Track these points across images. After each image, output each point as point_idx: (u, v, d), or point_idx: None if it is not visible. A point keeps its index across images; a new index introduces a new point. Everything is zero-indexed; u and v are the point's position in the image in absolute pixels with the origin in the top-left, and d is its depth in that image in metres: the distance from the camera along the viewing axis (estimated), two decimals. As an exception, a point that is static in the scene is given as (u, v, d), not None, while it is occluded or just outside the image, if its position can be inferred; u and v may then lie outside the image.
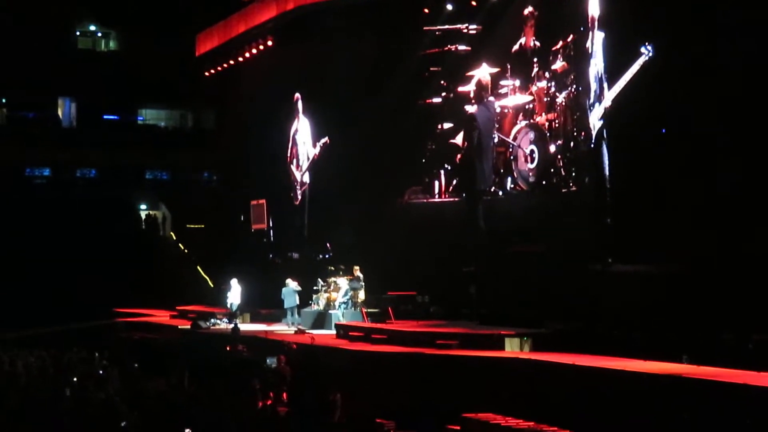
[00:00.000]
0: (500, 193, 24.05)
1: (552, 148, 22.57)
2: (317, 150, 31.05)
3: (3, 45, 46.97)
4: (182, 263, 44.69)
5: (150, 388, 18.23)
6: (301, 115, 32.16)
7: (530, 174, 23.16)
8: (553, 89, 22.82)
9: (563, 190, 22.14)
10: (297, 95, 32.17)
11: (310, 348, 22.44)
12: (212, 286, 38.29)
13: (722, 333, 15.78)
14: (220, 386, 18.64)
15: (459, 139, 24.97)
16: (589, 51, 20.16)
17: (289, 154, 32.50)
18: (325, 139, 30.63)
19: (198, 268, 42.25)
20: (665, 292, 17.61)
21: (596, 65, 20.06)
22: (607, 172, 19.92)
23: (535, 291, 20.67)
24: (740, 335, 15.44)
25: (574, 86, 21.67)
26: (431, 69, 27.16)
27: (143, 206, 52.36)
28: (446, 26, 26.46)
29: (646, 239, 18.69)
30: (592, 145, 20.30)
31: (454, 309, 23.86)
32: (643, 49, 18.88)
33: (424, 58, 27.30)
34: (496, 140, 23.81)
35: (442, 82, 26.71)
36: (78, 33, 54.06)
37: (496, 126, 23.93)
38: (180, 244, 47.89)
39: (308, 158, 31.65)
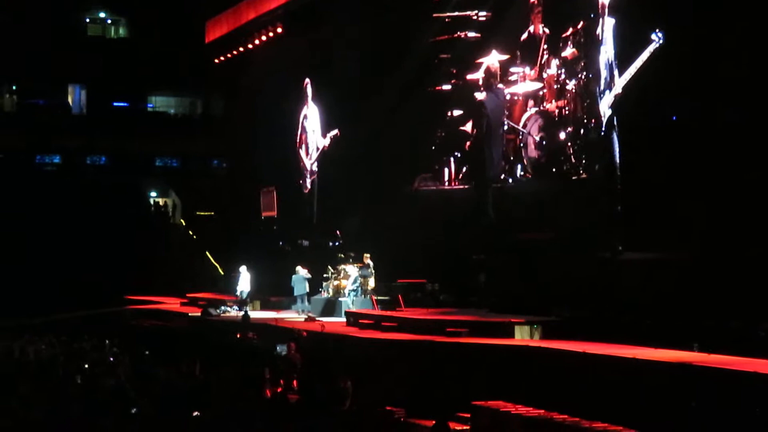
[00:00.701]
0: (510, 180, 24.01)
1: (562, 136, 22.52)
2: (327, 141, 31.06)
3: (13, 32, 46.99)
4: (192, 250, 44.76)
5: (160, 375, 18.27)
6: (310, 100, 32.18)
7: (540, 161, 23.10)
8: (563, 76, 22.75)
9: (573, 178, 22.08)
10: (306, 80, 32.19)
11: (320, 335, 22.44)
12: (222, 273, 38.34)
13: (732, 321, 15.72)
14: (231, 374, 18.67)
15: (468, 127, 24.95)
16: (600, 38, 20.05)
17: (298, 140, 32.56)
18: (336, 132, 30.62)
19: (208, 255, 42.31)
20: (675, 279, 17.55)
21: (607, 52, 19.95)
22: (617, 160, 19.85)
23: (544, 279, 20.62)
24: (750, 323, 15.39)
25: (585, 73, 21.60)
26: (441, 56, 27.05)
27: (153, 193, 52.47)
28: (456, 13, 26.36)
29: (656, 227, 18.63)
30: (603, 133, 20.20)
31: (464, 297, 23.83)
32: (653, 36, 18.77)
33: (433, 45, 27.20)
34: (505, 127, 23.78)
35: (451, 69, 26.62)
36: (88, 20, 54.07)
37: (506, 113, 23.89)
38: (190, 232, 47.97)
39: (317, 148, 31.67)
